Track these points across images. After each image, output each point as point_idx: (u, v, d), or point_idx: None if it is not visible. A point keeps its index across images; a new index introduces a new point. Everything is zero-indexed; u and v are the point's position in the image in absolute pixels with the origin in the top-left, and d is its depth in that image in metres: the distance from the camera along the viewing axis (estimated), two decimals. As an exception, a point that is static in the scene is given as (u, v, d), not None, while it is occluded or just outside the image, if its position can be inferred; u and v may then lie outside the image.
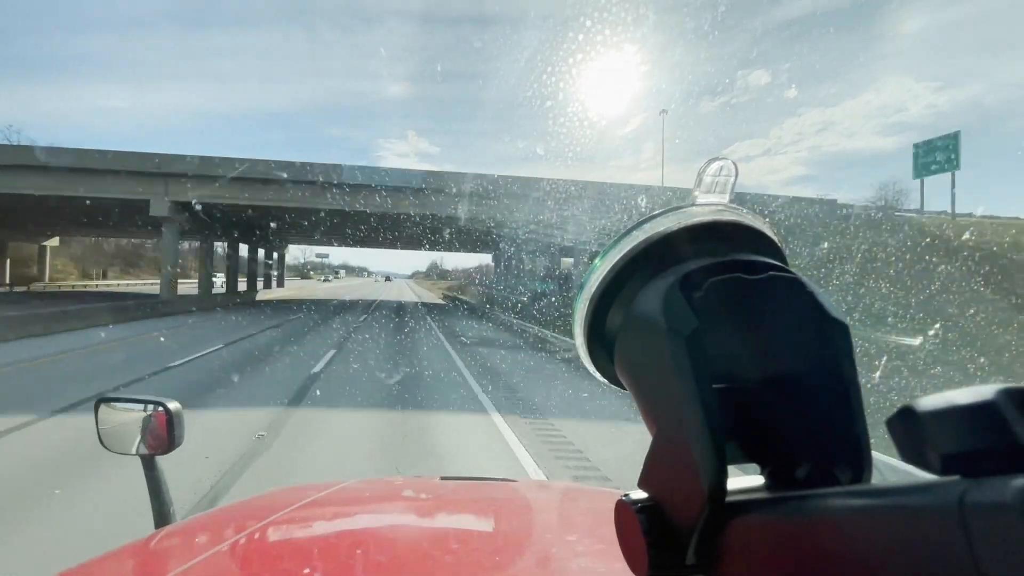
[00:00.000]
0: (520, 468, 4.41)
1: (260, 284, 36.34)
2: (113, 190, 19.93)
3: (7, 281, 33.87)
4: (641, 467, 0.31)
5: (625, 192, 20.08)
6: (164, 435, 1.16)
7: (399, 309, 25.60)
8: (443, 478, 1.43)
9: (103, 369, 8.29)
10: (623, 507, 0.30)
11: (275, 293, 37.58)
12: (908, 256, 14.57)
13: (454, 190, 20.46)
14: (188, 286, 30.64)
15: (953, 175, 21.30)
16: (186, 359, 9.05)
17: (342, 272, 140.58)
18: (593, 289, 0.35)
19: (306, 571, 0.73)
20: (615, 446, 5.20)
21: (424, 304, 32.15)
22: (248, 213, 23.91)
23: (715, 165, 0.34)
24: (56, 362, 8.71)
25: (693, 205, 0.34)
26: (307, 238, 42.21)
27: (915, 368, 9.34)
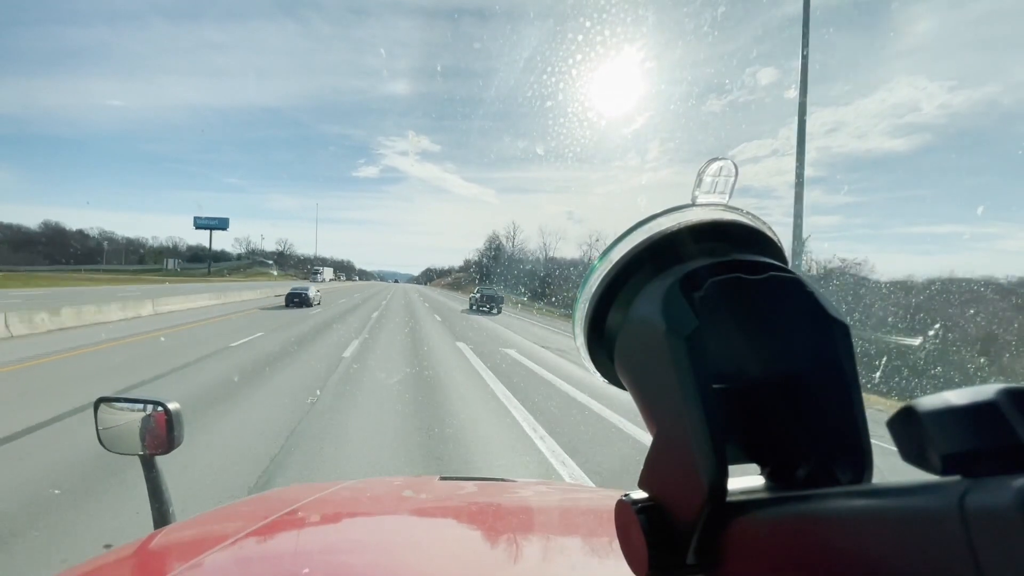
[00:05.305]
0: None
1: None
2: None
3: None
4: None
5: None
6: (163, 435, 1.16)
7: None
8: (442, 478, 1.43)
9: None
10: (623, 507, 0.30)
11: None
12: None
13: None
14: None
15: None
16: None
17: (326, 272, 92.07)
18: (593, 289, 0.35)
19: (305, 571, 0.73)
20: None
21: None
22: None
23: (715, 165, 0.34)
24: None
25: (693, 205, 0.34)
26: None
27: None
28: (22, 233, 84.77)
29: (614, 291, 0.34)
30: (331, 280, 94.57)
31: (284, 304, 23.71)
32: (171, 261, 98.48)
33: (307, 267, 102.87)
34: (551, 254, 65.40)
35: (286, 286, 31.87)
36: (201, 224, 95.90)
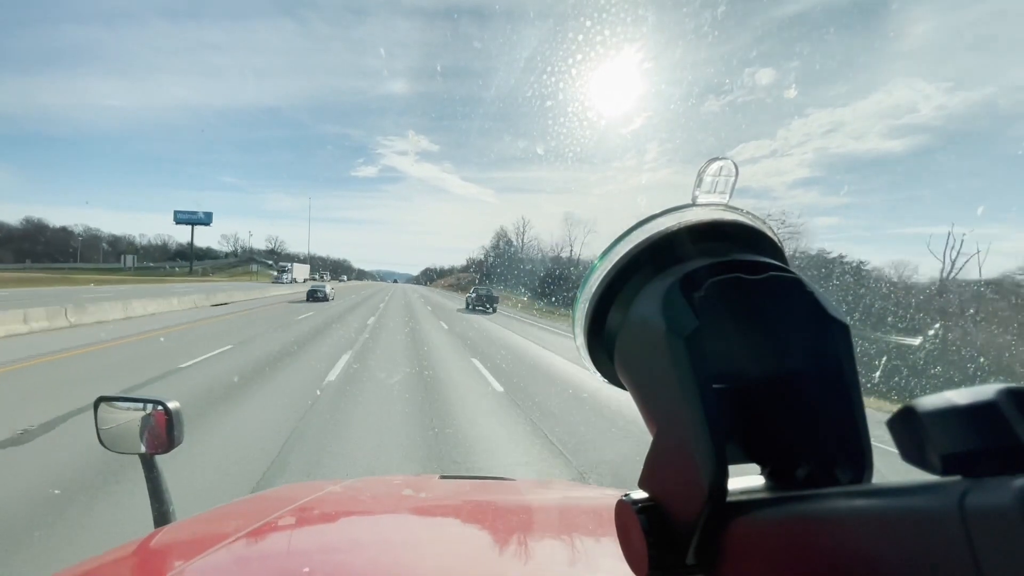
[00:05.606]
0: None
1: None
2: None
3: None
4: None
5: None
6: (163, 434, 1.17)
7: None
8: (442, 477, 1.43)
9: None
10: (624, 507, 0.30)
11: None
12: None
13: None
14: None
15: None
16: None
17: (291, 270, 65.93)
18: (593, 289, 0.35)
19: (305, 570, 0.72)
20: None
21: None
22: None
23: (715, 165, 0.34)
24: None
25: (693, 205, 0.34)
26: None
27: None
28: (2, 229, 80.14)
29: (614, 291, 0.34)
30: (306, 281, 69.18)
31: (306, 299, 27.68)
32: (129, 258, 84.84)
33: (283, 266, 71.97)
34: (576, 251, 60.29)
35: (249, 288, 31.78)
36: (182, 219, 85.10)
